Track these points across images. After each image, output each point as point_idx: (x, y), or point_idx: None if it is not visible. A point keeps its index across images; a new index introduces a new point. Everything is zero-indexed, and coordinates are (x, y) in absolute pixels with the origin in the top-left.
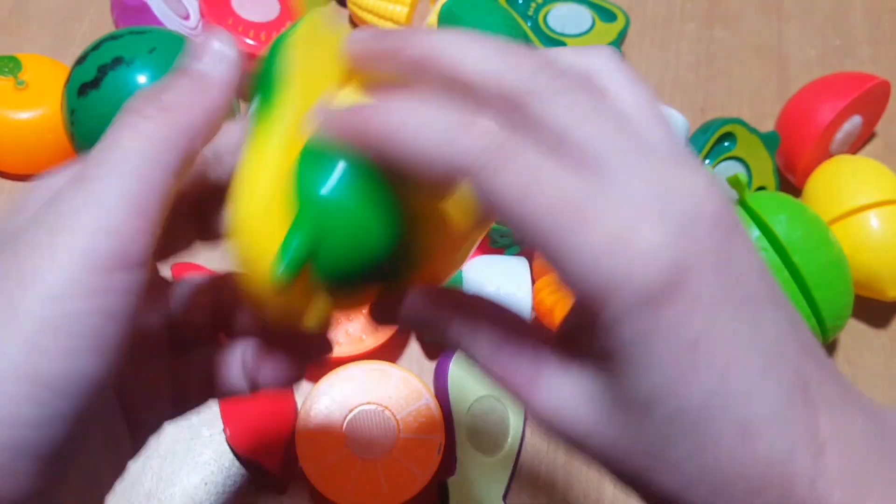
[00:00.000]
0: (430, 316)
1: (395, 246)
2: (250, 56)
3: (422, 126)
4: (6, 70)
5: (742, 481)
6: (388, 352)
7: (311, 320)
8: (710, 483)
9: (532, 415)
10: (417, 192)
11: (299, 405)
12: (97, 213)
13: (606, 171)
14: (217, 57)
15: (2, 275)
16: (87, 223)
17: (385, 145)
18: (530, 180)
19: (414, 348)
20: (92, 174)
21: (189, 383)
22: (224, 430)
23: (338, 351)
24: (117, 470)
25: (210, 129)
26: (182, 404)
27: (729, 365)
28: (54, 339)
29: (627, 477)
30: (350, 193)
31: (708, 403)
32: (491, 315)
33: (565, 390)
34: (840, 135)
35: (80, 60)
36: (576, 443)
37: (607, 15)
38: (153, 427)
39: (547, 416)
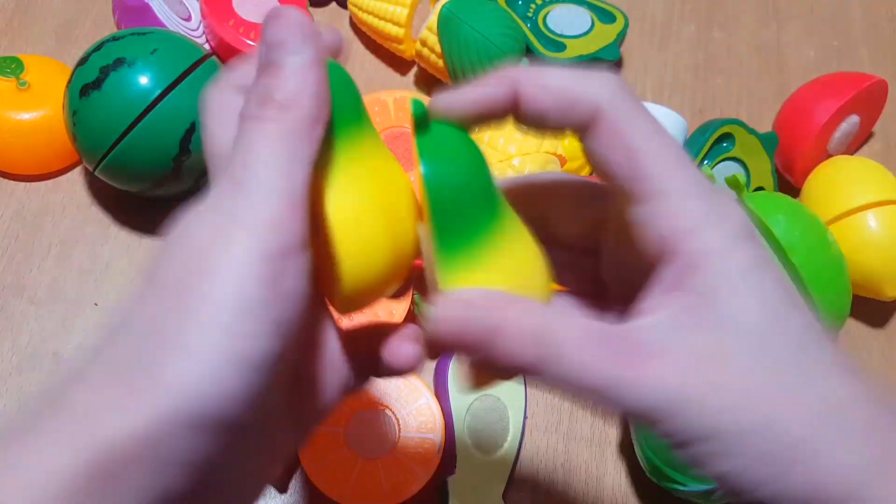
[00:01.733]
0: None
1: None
2: None
3: (553, 74)
4: (9, 71)
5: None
6: None
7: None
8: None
9: (642, 402)
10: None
11: None
12: (259, 212)
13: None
14: (298, 36)
15: (192, 273)
16: (252, 223)
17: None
18: (650, 126)
19: None
20: (243, 184)
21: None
22: None
23: None
24: (281, 455)
25: (324, 108)
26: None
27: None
28: (245, 324)
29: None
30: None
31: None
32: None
33: (680, 352)
34: (838, 134)
35: (82, 61)
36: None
37: (606, 16)
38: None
39: (668, 394)
